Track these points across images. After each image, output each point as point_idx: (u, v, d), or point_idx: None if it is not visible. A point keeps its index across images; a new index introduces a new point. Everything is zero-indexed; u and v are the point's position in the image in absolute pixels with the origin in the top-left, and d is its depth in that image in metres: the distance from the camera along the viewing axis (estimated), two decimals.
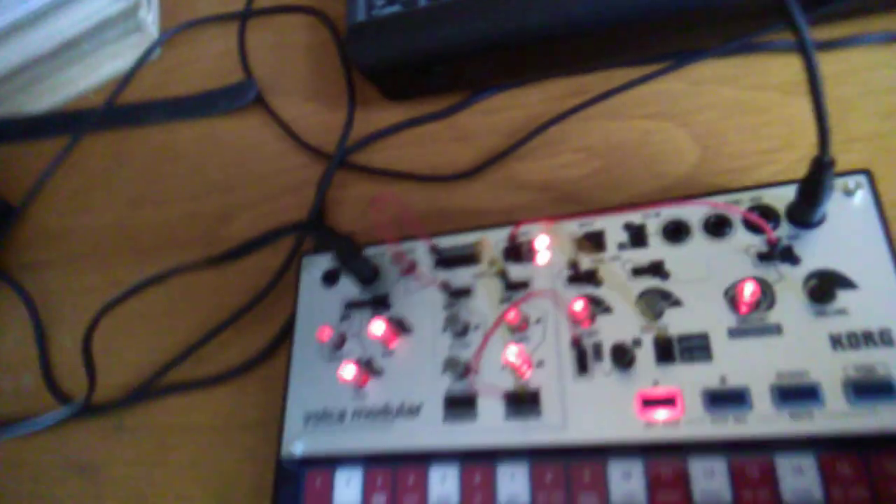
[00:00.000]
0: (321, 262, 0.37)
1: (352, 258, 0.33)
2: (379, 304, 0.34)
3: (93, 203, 0.53)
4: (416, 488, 0.30)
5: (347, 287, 0.36)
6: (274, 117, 0.49)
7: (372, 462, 0.31)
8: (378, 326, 0.32)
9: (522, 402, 0.30)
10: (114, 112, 0.55)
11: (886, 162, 0.33)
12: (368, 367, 0.33)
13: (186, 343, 0.43)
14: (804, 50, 0.22)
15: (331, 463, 0.32)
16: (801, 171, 0.27)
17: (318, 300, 0.36)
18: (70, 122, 0.56)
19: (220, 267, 0.42)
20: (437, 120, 0.44)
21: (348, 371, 0.32)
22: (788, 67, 0.37)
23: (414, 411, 0.31)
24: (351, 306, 0.35)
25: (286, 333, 0.40)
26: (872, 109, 0.35)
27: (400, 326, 0.33)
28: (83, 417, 0.44)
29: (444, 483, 0.30)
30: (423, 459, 0.31)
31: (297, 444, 0.33)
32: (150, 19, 0.57)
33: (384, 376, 0.33)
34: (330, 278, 0.36)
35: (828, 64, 0.36)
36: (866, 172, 0.29)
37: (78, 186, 0.54)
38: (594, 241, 0.32)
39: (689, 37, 0.38)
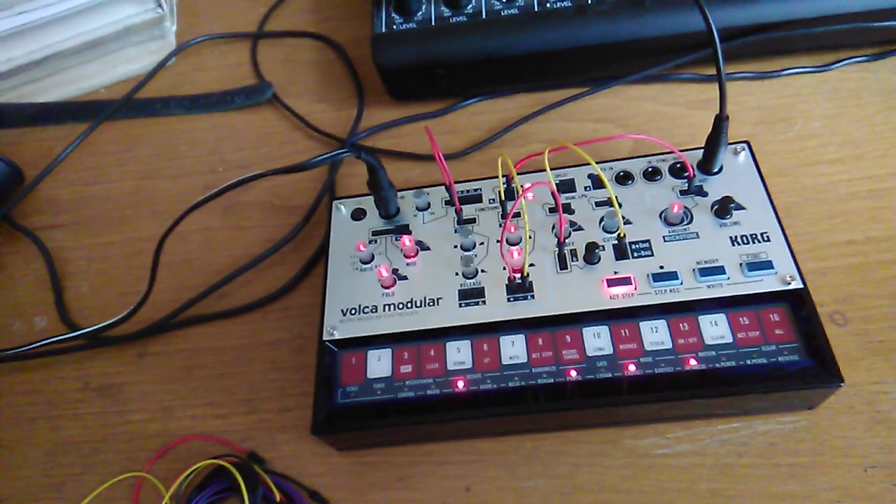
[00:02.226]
0: (349, 204, 0.46)
1: (389, 185, 0.42)
2: (402, 231, 0.44)
3: (108, 177, 0.59)
4: (437, 358, 0.39)
5: (373, 221, 0.45)
6: (288, 110, 0.59)
7: (398, 341, 0.40)
8: (406, 239, 0.42)
9: (520, 289, 0.40)
10: (133, 103, 0.62)
11: (759, 143, 0.48)
12: (395, 274, 0.42)
13: (207, 284, 0.49)
14: (715, 51, 0.36)
15: (363, 344, 0.40)
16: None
17: (348, 230, 0.45)
18: (87, 111, 0.63)
19: (291, 174, 0.52)
20: (433, 118, 0.56)
21: (383, 272, 0.41)
22: (690, 91, 0.53)
23: (435, 302, 0.40)
24: (377, 233, 0.44)
25: (310, 267, 0.49)
26: (747, 119, 0.50)
27: (420, 245, 0.43)
28: (103, 347, 0.48)
29: (459, 352, 0.39)
30: (442, 336, 0.39)
31: (337, 330, 0.40)
32: (172, 30, 0.66)
33: (408, 281, 0.42)
34: (357, 214, 0.45)
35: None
36: (746, 142, 0.43)
37: (93, 164, 0.60)
38: (566, 186, 0.44)
39: (623, 65, 0.53)
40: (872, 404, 0.37)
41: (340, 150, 0.38)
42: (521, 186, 0.43)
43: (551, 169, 0.44)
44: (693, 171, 0.42)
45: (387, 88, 0.55)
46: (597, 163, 0.44)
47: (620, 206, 0.42)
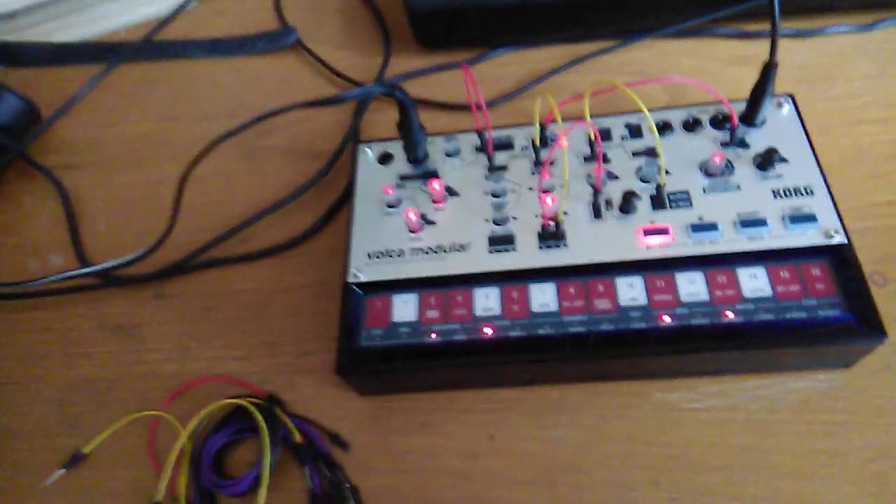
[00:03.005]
0: (376, 148, 0.45)
1: (420, 128, 0.41)
2: (430, 175, 0.43)
3: (127, 118, 0.57)
4: (464, 304, 0.38)
5: (400, 165, 0.44)
6: (313, 56, 0.57)
7: (425, 286, 0.39)
8: (436, 183, 0.41)
9: (553, 236, 0.39)
10: (153, 45, 0.61)
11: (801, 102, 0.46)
12: (423, 219, 0.41)
13: (227, 228, 0.48)
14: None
15: (389, 288, 0.39)
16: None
17: (375, 173, 0.44)
18: (105, 52, 0.61)
19: (325, 107, 0.50)
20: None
21: (412, 216, 0.40)
22: (728, 48, 0.51)
23: (463, 248, 0.39)
24: (405, 178, 0.43)
25: (333, 213, 0.47)
26: (789, 78, 0.49)
27: (448, 191, 0.42)
28: (119, 286, 0.47)
29: (487, 298, 0.38)
30: (470, 282, 0.38)
31: (362, 272, 0.39)
32: None
33: (436, 226, 0.41)
34: (384, 158, 0.44)
35: (757, 47, 0.51)
36: (791, 95, 0.42)
37: (111, 105, 0.59)
38: (603, 136, 0.42)
39: (657, 18, 0.51)
40: None
41: (373, 87, 0.37)
42: (560, 130, 0.42)
43: (588, 116, 0.43)
44: (736, 121, 0.40)
45: (415, 34, 0.53)
46: (635, 112, 0.43)
47: (658, 156, 0.41)
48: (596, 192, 0.40)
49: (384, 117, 0.53)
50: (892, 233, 0.41)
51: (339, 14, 0.61)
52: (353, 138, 0.51)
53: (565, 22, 0.52)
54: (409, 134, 0.42)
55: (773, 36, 0.36)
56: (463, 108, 0.51)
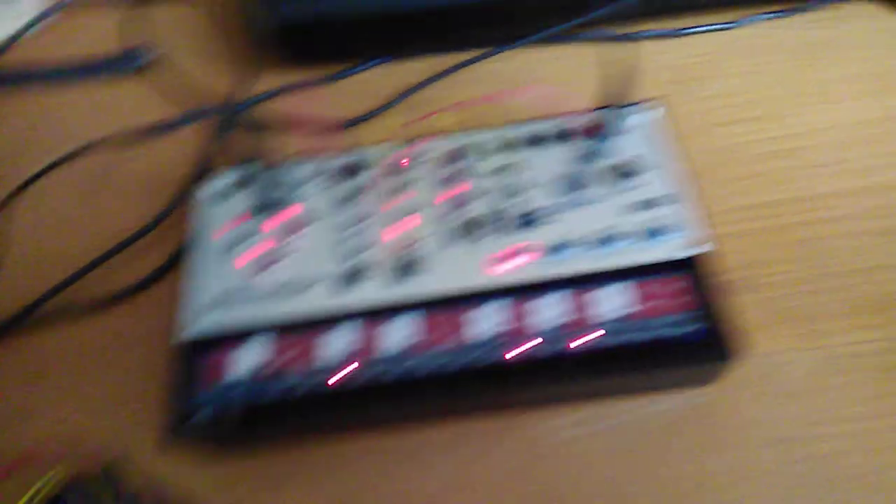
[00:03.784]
0: (222, 177, 0.41)
1: (264, 155, 0.38)
2: (281, 204, 0.39)
3: None
4: (312, 349, 0.34)
5: (249, 195, 0.40)
6: (168, 78, 0.53)
7: (271, 331, 0.35)
8: (279, 217, 0.37)
9: (408, 266, 0.36)
10: None
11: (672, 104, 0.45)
12: (269, 255, 0.37)
13: (63, 276, 0.43)
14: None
15: (228, 340, 0.35)
16: None
17: (220, 206, 0.40)
18: None
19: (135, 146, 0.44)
20: (328, 83, 0.51)
21: (250, 256, 0.36)
22: (597, 52, 0.49)
23: (312, 285, 0.36)
24: (253, 210, 0.39)
25: (184, 251, 0.43)
26: (659, 79, 0.47)
27: (299, 221, 0.38)
28: None
29: (337, 340, 0.35)
30: (319, 324, 0.35)
31: (196, 326, 0.35)
32: None
33: (285, 262, 0.37)
34: (231, 188, 0.40)
35: (628, 50, 0.49)
36: (656, 100, 0.40)
37: None
38: (469, 150, 0.40)
39: (527, 25, 0.49)
40: (775, 376, 0.35)
41: (208, 111, 0.33)
42: (411, 152, 0.39)
43: (445, 133, 0.40)
44: (596, 131, 0.38)
45: (281, 49, 0.50)
46: (496, 126, 0.40)
47: (521, 170, 0.38)
48: (454, 214, 0.37)
49: (241, 140, 0.49)
50: (763, 235, 0.40)
51: (201, 27, 0.56)
52: (202, 167, 0.46)
53: (437, 32, 0.49)
54: (258, 161, 0.38)
55: (628, 41, 0.33)
56: (328, 127, 0.48)
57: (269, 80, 0.51)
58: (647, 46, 0.49)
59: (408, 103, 0.49)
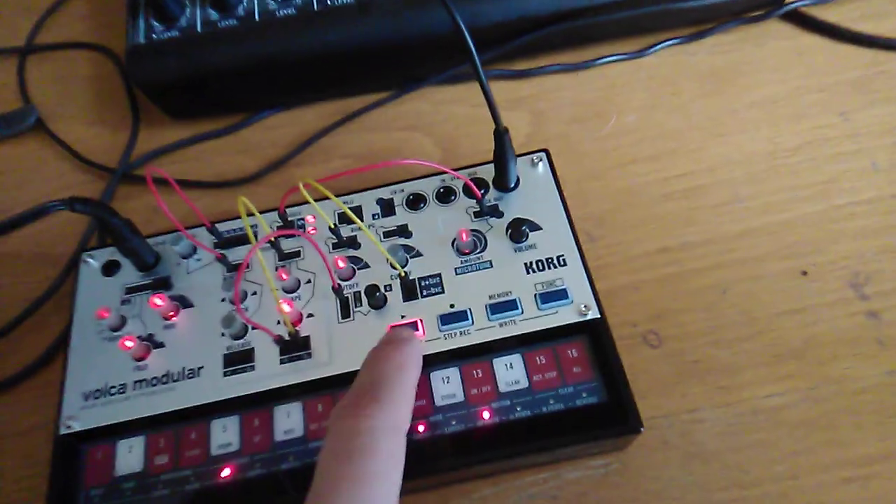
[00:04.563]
0: (101, 255, 0.39)
1: (132, 236, 0.35)
2: (160, 285, 0.37)
3: None
4: (198, 442, 0.33)
5: (128, 275, 0.38)
6: (55, 139, 0.50)
7: (154, 426, 0.33)
8: (158, 300, 0.35)
9: (295, 347, 0.34)
10: None
11: (566, 150, 0.44)
12: (149, 341, 0.35)
13: None
14: (476, 70, 0.30)
15: (112, 434, 0.33)
16: None
17: (99, 288, 0.37)
18: None
19: None
20: (222, 136, 0.48)
21: (129, 344, 0.34)
22: (504, 90, 0.48)
23: (195, 373, 0.34)
24: (132, 290, 0.37)
25: (67, 336, 0.41)
26: (560, 117, 0.46)
27: (181, 302, 0.36)
28: None
29: (225, 432, 0.33)
30: (204, 414, 0.33)
31: (77, 420, 0.33)
32: None
33: (165, 348, 0.35)
34: (110, 268, 0.38)
35: (528, 87, 0.48)
36: (545, 151, 0.39)
37: None
38: (354, 214, 0.38)
39: (426, 66, 0.47)
40: (687, 436, 0.34)
41: (49, 205, 0.31)
42: (292, 222, 0.37)
43: (338, 196, 0.38)
44: (484, 189, 0.37)
45: (159, 107, 0.47)
46: (387, 184, 0.39)
47: (410, 235, 0.37)
48: (339, 287, 0.35)
49: (140, 203, 0.46)
50: (666, 284, 0.39)
51: (91, 84, 0.53)
52: (82, 245, 0.44)
53: (326, 78, 0.47)
54: (123, 244, 0.36)
55: (489, 101, 0.32)
56: (222, 184, 0.46)
57: (160, 137, 0.49)
58: (551, 81, 0.48)
59: (310, 152, 0.47)
